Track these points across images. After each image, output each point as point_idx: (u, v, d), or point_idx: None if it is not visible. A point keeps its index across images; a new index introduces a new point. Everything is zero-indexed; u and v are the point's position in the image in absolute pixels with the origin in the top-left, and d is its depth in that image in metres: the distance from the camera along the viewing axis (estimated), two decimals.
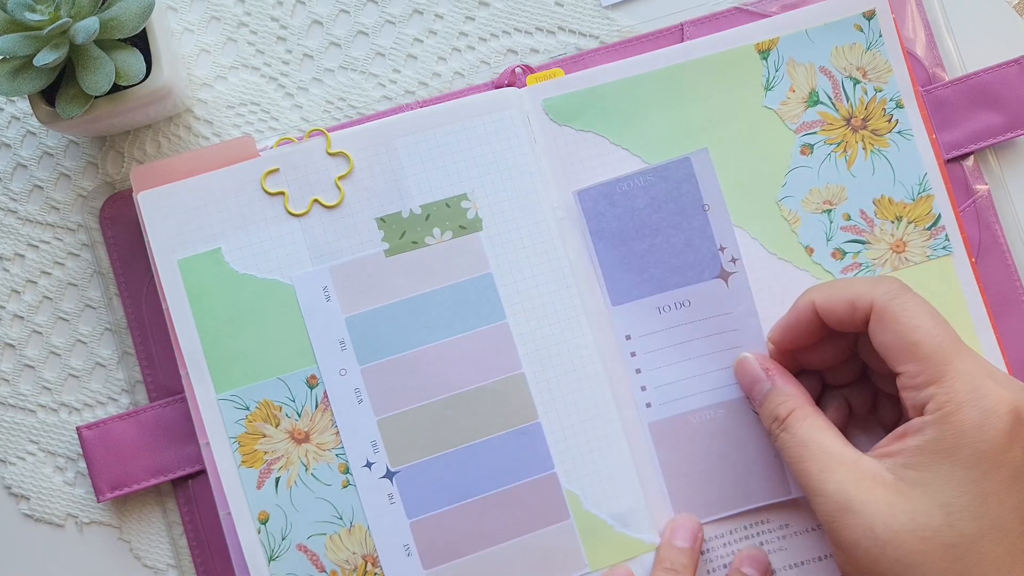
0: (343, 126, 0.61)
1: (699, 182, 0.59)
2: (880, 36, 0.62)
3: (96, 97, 0.54)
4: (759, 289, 0.60)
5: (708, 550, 0.59)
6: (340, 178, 0.59)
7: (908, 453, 0.50)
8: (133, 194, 0.58)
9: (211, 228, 0.58)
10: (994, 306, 0.61)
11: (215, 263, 0.58)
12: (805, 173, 0.61)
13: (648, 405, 0.59)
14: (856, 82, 0.61)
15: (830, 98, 0.61)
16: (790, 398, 0.54)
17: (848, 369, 0.58)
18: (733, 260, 0.59)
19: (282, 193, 0.58)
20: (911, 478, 0.49)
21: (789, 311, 0.56)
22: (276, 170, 0.59)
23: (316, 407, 0.57)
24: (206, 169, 0.58)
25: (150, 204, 0.58)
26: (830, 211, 0.61)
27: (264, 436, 0.57)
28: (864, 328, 0.53)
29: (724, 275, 0.59)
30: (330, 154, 0.59)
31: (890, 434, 0.51)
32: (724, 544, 0.59)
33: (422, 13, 0.63)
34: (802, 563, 0.58)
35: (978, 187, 0.62)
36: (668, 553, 0.57)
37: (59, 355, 0.61)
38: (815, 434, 0.52)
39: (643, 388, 0.59)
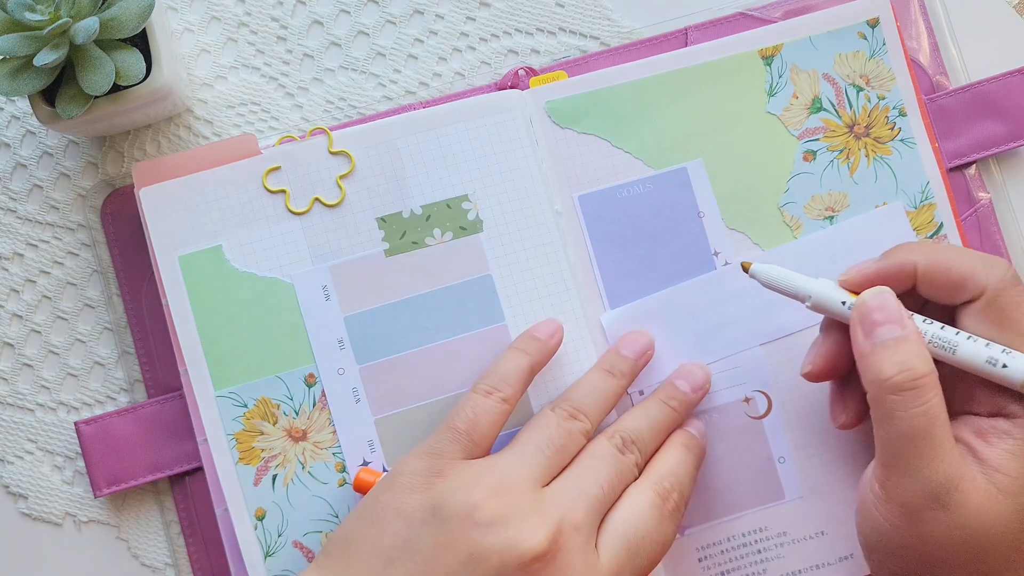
0: (344, 126, 0.61)
1: (694, 190, 0.60)
2: (883, 44, 0.61)
3: (96, 97, 0.54)
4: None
5: (706, 557, 0.59)
6: (341, 177, 0.59)
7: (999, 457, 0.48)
8: (135, 190, 0.58)
9: (212, 225, 0.58)
10: None
11: (216, 260, 0.58)
12: (807, 179, 0.60)
13: None
14: (859, 89, 0.61)
15: (833, 105, 0.61)
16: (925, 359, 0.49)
17: None
18: (727, 264, 0.60)
19: (283, 191, 0.58)
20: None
21: (879, 262, 0.52)
22: (278, 168, 0.59)
23: (314, 406, 0.58)
24: (208, 166, 0.58)
25: (152, 200, 0.58)
26: (832, 217, 0.60)
27: (262, 434, 0.57)
28: (955, 305, 0.50)
29: None
30: (332, 153, 0.59)
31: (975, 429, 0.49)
32: (722, 551, 0.59)
33: (423, 13, 0.63)
34: (800, 571, 0.59)
35: (980, 196, 0.62)
36: (609, 357, 0.57)
37: (58, 354, 0.61)
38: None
39: (640, 393, 0.59)
